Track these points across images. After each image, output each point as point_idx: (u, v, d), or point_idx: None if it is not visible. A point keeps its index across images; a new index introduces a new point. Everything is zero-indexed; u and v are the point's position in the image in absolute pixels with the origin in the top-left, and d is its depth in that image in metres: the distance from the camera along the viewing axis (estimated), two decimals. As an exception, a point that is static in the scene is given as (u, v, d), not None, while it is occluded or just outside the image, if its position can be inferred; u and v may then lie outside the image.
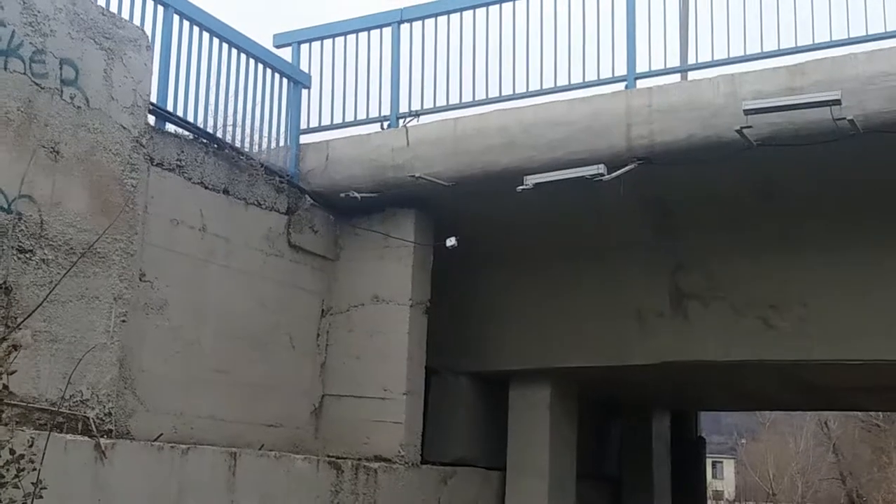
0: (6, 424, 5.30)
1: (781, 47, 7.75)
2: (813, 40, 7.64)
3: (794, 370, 10.24)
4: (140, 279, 7.25)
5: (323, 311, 9.32)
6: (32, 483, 4.98)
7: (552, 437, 10.78)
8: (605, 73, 8.36)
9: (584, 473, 12.22)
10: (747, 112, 7.13)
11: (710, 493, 24.55)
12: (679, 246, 9.41)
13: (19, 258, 5.95)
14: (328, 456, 8.58)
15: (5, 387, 5.09)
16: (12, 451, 4.97)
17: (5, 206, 5.89)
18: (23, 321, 5.71)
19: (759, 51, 7.84)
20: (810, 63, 7.35)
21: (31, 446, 5.04)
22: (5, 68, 6.00)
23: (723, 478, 47.12)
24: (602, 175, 7.77)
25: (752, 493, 38.25)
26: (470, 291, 10.52)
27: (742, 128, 7.24)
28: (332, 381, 9.23)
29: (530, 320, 10.29)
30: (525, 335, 10.33)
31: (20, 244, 5.96)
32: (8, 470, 4.93)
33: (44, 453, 5.21)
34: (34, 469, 4.98)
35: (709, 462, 30.09)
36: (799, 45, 7.68)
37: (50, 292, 5.98)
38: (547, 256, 10.02)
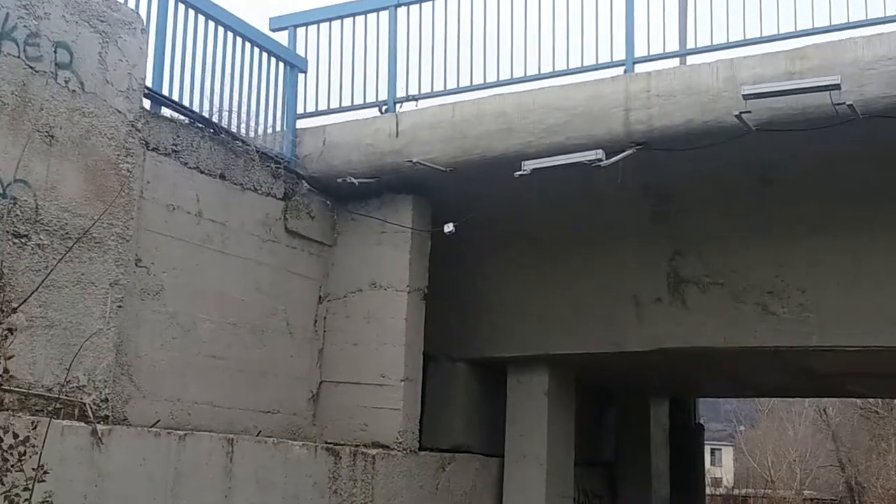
0: (7, 409, 5.32)
1: (781, 31, 7.73)
2: (812, 24, 7.63)
3: (793, 357, 10.25)
4: (136, 264, 7.25)
5: (320, 297, 9.33)
6: (33, 468, 5.00)
7: (550, 423, 10.81)
8: (604, 58, 8.36)
9: (582, 460, 12.27)
10: (746, 97, 7.13)
11: (708, 480, 24.63)
12: (677, 231, 9.42)
13: (14, 243, 5.95)
14: (326, 442, 8.61)
15: (6, 370, 5.11)
16: (16, 435, 4.99)
17: (0, 190, 5.89)
18: (18, 306, 5.73)
19: (759, 35, 7.81)
20: (810, 47, 7.34)
21: (34, 428, 5.05)
22: (-1, 52, 5.99)
23: (721, 465, 47.27)
24: (600, 160, 7.77)
25: (751, 481, 38.37)
26: (468, 277, 10.53)
27: (741, 112, 7.23)
28: (330, 368, 9.25)
29: (528, 306, 10.32)
30: (523, 321, 10.36)
31: (15, 229, 5.97)
32: (11, 454, 4.95)
33: (44, 439, 5.23)
34: (35, 454, 5.00)
35: (707, 449, 30.18)
36: (798, 29, 7.66)
37: (45, 277, 5.99)
38: (545, 242, 10.03)
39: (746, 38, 7.87)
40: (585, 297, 9.99)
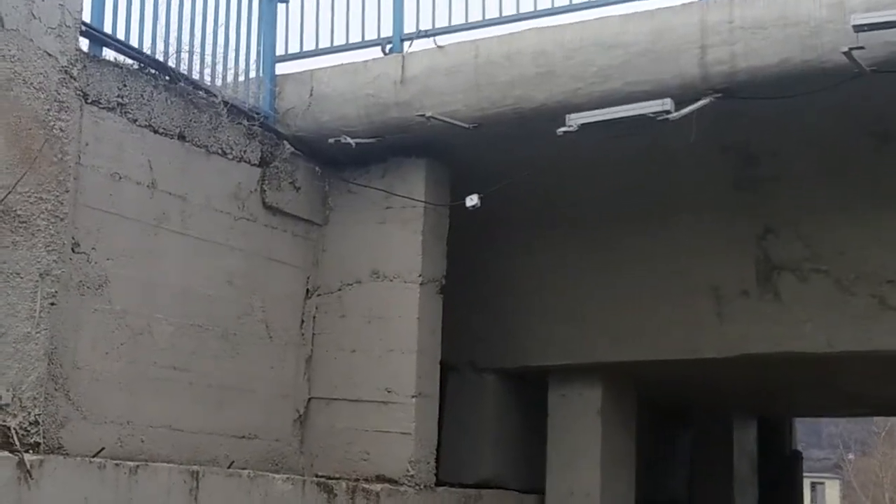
0: None
1: (903, -57, 7.66)
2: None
3: (918, 365, 10.22)
4: (73, 250, 7.26)
5: (308, 290, 9.35)
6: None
7: (604, 451, 10.82)
8: (675, -21, 8.30)
9: (646, 498, 12.26)
10: (858, 28, 7.06)
11: (808, 522, 24.64)
12: (768, 204, 9.39)
13: (-83, 224, 5.97)
14: (316, 475, 8.62)
15: None
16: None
17: None
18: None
19: (874, -52, 7.74)
20: (943, -38, 7.27)
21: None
22: None
23: (825, 502, 47.25)
24: (668, 112, 7.74)
25: (863, 523, 38.37)
26: (497, 265, 10.53)
27: (851, 49, 7.17)
28: (321, 381, 9.27)
29: (575, 302, 10.32)
30: (569, 321, 10.37)
31: (-83, 206, 5.98)
32: None
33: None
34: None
35: (806, 483, 30.18)
36: (926, -62, 7.58)
37: (-43, 267, 6.00)
38: (596, 220, 10.02)
39: (858, -49, 7.78)
40: (649, 289, 9.99)
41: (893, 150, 8.59)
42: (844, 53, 7.20)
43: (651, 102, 7.79)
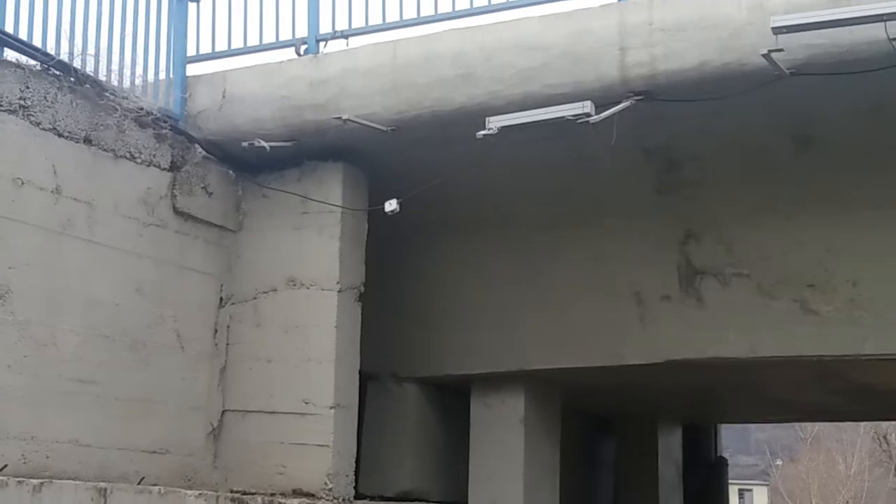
0: None
1: (821, -57, 7.79)
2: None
3: (842, 368, 10.38)
4: (-28, 259, 7.15)
5: (221, 299, 9.29)
6: None
7: (528, 460, 10.87)
8: (592, -19, 8.37)
9: (571, 507, 12.32)
10: (777, 31, 7.17)
11: (735, 529, 24.93)
12: (690, 208, 9.48)
13: None
14: (231, 491, 8.58)
15: None
16: None
17: None
18: None
19: (793, -51, 7.87)
20: (859, -35, 7.40)
21: None
22: None
23: (752, 510, 47.88)
24: (589, 115, 7.80)
25: (790, 529, 38.97)
26: (417, 271, 10.53)
27: (770, 51, 7.28)
28: (236, 393, 9.21)
29: (498, 308, 10.35)
30: (491, 328, 10.40)
31: None
32: None
33: None
34: None
35: (733, 489, 30.56)
36: (844, -59, 7.72)
37: None
38: (518, 225, 10.05)
39: (777, -48, 7.91)
40: (572, 295, 10.04)
41: (814, 153, 8.71)
42: (764, 56, 7.31)
43: (571, 105, 7.85)
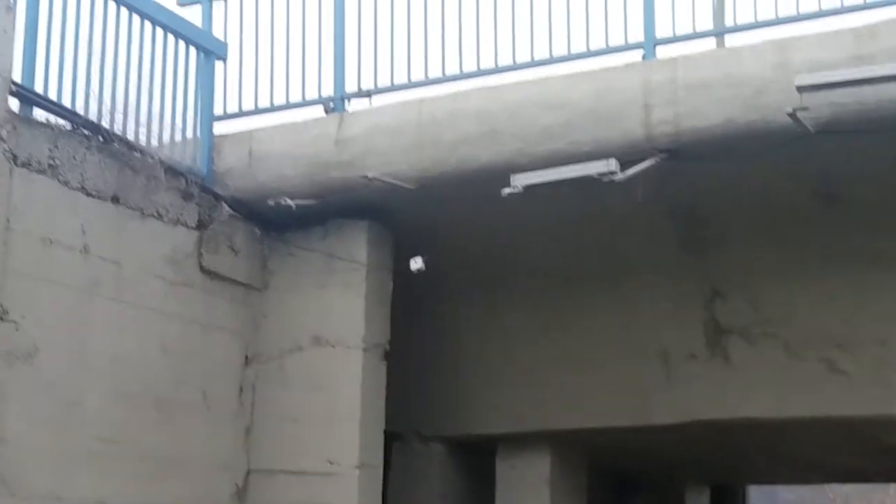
0: None
1: (845, 3, 7.84)
2: (887, -7, 7.77)
3: (871, 429, 10.29)
4: (1, 318, 7.19)
5: (247, 357, 9.30)
6: None
7: (554, 522, 10.80)
8: (617, 40, 8.43)
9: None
10: (802, 89, 7.19)
11: None
12: (716, 266, 9.47)
13: None
14: (255, 551, 8.54)
15: None
16: None
17: None
18: None
19: (817, 9, 7.93)
20: (883, 24, 7.43)
21: None
22: None
23: (782, 574, 47.15)
24: (613, 173, 7.82)
25: None
26: (443, 330, 10.52)
27: (795, 110, 7.29)
28: (261, 452, 9.19)
29: (523, 367, 10.32)
30: (516, 387, 10.37)
31: None
32: None
33: None
34: None
35: (763, 553, 30.06)
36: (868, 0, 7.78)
37: None
38: (543, 281, 10.05)
39: (801, 12, 7.96)
40: (597, 354, 10.01)
41: (839, 211, 8.70)
42: (789, 114, 7.33)
43: (596, 163, 7.86)
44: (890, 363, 9.01)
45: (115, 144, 8.14)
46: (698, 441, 11.35)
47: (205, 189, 8.94)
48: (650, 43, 8.29)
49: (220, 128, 9.36)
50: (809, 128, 7.40)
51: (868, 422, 9.59)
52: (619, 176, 7.83)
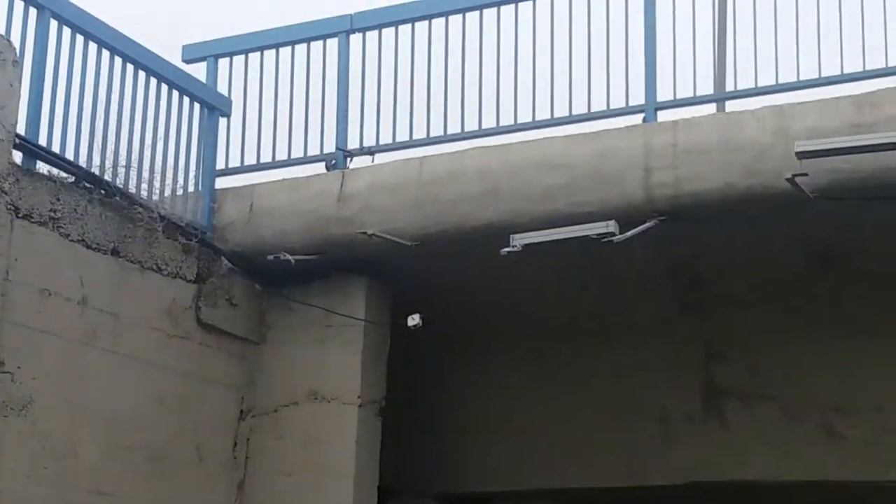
0: None
1: (846, 72, 7.90)
2: (886, 63, 7.80)
3: (868, 495, 10.23)
4: (-3, 369, 7.20)
5: (242, 411, 9.27)
6: None
7: (549, 583, 10.72)
8: (618, 103, 8.49)
9: None
10: (801, 155, 7.23)
11: None
12: (714, 328, 9.49)
13: None
14: None
15: None
16: None
17: None
18: None
19: (817, 76, 7.98)
20: (882, 92, 7.49)
21: None
22: None
23: None
24: (613, 234, 7.83)
25: None
26: (439, 386, 10.49)
27: (794, 175, 7.33)
28: (255, 506, 9.16)
29: (520, 425, 10.29)
30: (513, 445, 10.33)
31: None
32: None
33: None
34: None
35: None
36: (868, 69, 7.83)
37: None
38: (541, 341, 10.05)
39: (801, 79, 8.02)
40: (594, 413, 9.99)
41: (838, 276, 8.73)
42: (788, 180, 7.36)
43: (595, 224, 7.87)
44: (887, 429, 9.00)
45: (117, 198, 8.17)
46: (694, 502, 11.29)
47: (204, 243, 8.96)
48: (651, 106, 8.35)
49: (221, 182, 9.39)
50: (808, 193, 7.43)
51: (864, 487, 9.55)
52: (618, 237, 7.84)
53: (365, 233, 8.68)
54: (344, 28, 9.33)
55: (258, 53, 9.56)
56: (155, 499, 8.32)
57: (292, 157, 9.43)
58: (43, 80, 7.78)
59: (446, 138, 8.98)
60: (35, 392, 7.44)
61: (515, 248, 8.07)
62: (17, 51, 7.20)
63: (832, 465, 9.17)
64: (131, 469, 8.15)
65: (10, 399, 7.28)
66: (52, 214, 7.67)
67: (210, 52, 9.65)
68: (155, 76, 8.70)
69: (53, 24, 7.86)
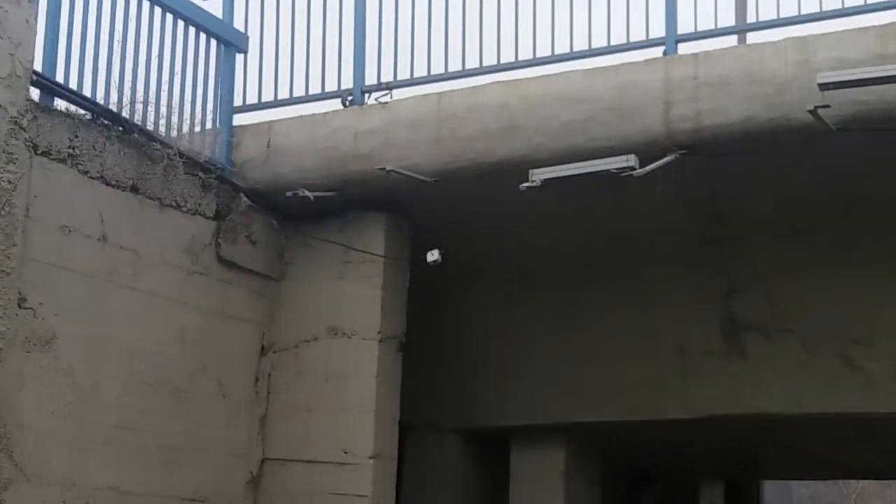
0: None
1: (869, 1, 7.79)
2: (911, -9, 7.72)
3: (887, 426, 10.27)
4: (19, 305, 7.22)
5: (263, 347, 9.33)
6: None
7: (568, 514, 10.81)
8: (638, 35, 8.40)
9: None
10: (823, 87, 7.15)
11: (778, 588, 24.56)
12: (734, 262, 9.48)
13: None
14: (269, 540, 8.57)
15: None
16: None
17: None
18: None
19: (840, 6, 7.87)
20: (907, 22, 7.42)
21: None
22: None
23: (795, 568, 47.13)
24: (633, 169, 7.79)
25: (835, 589, 38.32)
26: (459, 322, 10.54)
27: (817, 107, 7.25)
28: (276, 441, 9.22)
29: (539, 361, 10.35)
30: (532, 380, 10.39)
31: None
32: None
33: None
34: None
35: (776, 547, 30.05)
36: (892, -1, 7.74)
37: None
38: (560, 277, 10.06)
39: (824, 9, 7.92)
40: (613, 347, 10.03)
41: (861, 210, 8.69)
42: (810, 112, 7.28)
43: (615, 158, 7.83)
44: (908, 360, 9.01)
45: (135, 134, 8.18)
46: (713, 436, 11.37)
47: (223, 180, 8.96)
48: (672, 39, 8.24)
49: (239, 119, 9.37)
50: (831, 126, 7.36)
51: (884, 419, 9.57)
52: (638, 171, 7.80)
53: (383, 169, 8.65)
54: (360, -39, 9.26)
55: (275, -12, 9.51)
56: (177, 433, 8.41)
57: (310, 93, 9.40)
58: (59, 16, 7.76)
59: (464, 73, 8.91)
60: (57, 328, 7.50)
61: (535, 184, 8.03)
62: (33, -14, 7.15)
63: (852, 398, 9.18)
64: (154, 405, 8.22)
65: (32, 335, 7.34)
66: (71, 151, 7.68)
67: (226, -12, 9.59)
68: (171, 12, 8.66)
69: (69, -41, 7.84)
